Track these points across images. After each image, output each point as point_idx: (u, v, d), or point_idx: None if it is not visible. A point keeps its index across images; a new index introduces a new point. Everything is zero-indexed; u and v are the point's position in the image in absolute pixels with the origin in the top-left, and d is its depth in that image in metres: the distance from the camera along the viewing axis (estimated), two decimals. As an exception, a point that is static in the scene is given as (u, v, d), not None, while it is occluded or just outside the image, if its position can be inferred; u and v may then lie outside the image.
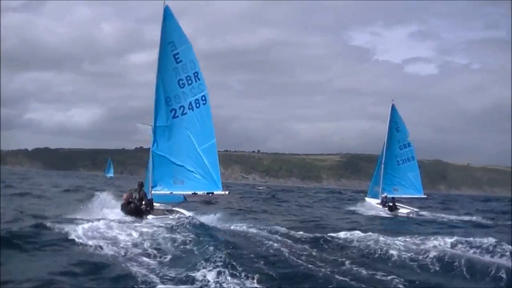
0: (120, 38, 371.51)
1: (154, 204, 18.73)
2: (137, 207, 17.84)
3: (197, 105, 18.73)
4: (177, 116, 18.95)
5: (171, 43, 18.90)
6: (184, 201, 19.69)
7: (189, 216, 17.33)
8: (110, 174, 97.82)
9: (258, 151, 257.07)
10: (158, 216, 17.70)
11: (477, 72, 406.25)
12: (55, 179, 67.07)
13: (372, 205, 33.12)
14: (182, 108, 18.89)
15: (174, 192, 18.80)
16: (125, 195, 18.23)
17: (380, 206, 32.18)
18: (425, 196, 35.24)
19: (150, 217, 17.68)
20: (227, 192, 18.25)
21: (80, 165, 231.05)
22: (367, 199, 35.29)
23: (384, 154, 34.23)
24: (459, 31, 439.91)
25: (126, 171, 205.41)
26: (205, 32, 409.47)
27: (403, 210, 31.20)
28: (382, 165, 34.20)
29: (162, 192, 18.91)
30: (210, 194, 18.17)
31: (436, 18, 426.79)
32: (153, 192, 18.77)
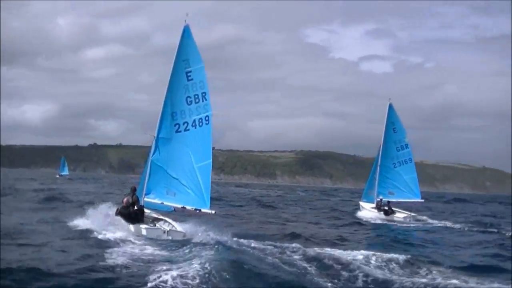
0: (75, 33, 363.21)
1: (145, 210, 19.55)
2: (136, 212, 18.59)
3: (200, 124, 19.62)
4: (180, 131, 19.80)
5: (186, 61, 19.74)
6: (172, 212, 20.50)
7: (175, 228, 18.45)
8: (65, 172, 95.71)
9: (213, 147, 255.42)
10: (150, 227, 18.49)
11: (431, 71, 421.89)
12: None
13: (367, 210, 32.16)
14: (185, 124, 19.75)
15: (165, 203, 19.62)
16: (125, 199, 18.91)
17: (375, 211, 31.23)
18: (423, 200, 33.87)
19: (143, 226, 18.46)
20: (213, 212, 19.18)
21: (32, 162, 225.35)
22: (361, 203, 33.98)
23: (380, 155, 32.86)
24: (415, 30, 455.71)
25: (79, 168, 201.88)
26: (161, 29, 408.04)
27: (399, 215, 30.30)
28: (378, 168, 32.80)
29: (154, 200, 19.73)
30: (197, 211, 19.03)
31: (393, 17, 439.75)
32: (145, 199, 19.59)
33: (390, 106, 33.17)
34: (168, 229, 18.23)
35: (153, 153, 19.98)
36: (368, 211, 31.95)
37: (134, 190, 19.62)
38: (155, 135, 19.99)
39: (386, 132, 32.95)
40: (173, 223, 19.02)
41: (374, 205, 31.95)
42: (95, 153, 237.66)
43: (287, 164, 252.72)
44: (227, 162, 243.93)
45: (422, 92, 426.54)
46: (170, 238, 17.83)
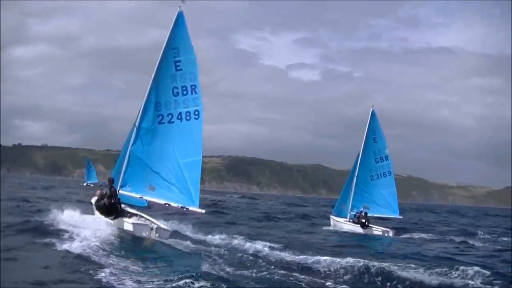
0: (2, 31, 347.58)
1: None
2: (111, 204, 17.19)
3: (188, 117, 18.60)
4: (163, 123, 18.71)
5: (175, 49, 18.72)
6: (146, 207, 19.23)
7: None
8: None
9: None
10: (138, 222, 17.17)
11: (359, 80, 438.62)
12: None
13: (340, 224, 29.57)
14: (170, 116, 18.68)
15: (144, 197, 18.36)
16: (98, 191, 17.53)
17: (351, 223, 28.90)
18: (401, 217, 31.31)
19: (129, 220, 17.08)
20: (203, 211, 18.14)
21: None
22: (332, 217, 31.05)
23: (357, 166, 30.29)
24: (344, 40, 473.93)
25: (3, 168, 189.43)
26: (93, 30, 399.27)
27: (377, 231, 28.05)
28: (355, 179, 30.26)
29: (130, 194, 18.41)
30: (184, 209, 17.91)
31: (323, 27, 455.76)
32: (120, 191, 18.23)
33: (373, 113, 30.87)
34: (155, 226, 16.91)
35: (133, 143, 18.72)
36: (342, 224, 29.54)
37: (111, 181, 18.21)
38: (137, 124, 18.74)
39: (366, 141, 30.58)
40: (151, 219, 17.80)
41: (347, 218, 29.66)
42: (20, 153, 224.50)
43: (215, 170, 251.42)
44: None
45: (350, 101, 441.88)
46: (157, 235, 16.54)
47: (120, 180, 18.48)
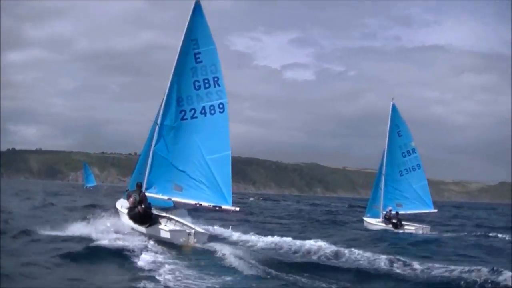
0: None
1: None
2: (145, 212, 16.16)
3: (212, 112, 17.62)
4: (186, 119, 17.75)
5: (194, 41, 17.77)
6: (172, 207, 18.21)
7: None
8: None
9: (135, 153, 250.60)
10: (175, 228, 16.18)
11: (353, 79, 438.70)
12: None
13: (374, 225, 28.21)
14: (193, 111, 17.71)
15: (172, 199, 17.39)
16: (131, 199, 16.52)
17: (383, 224, 27.72)
18: (436, 211, 29.73)
19: (165, 228, 16.10)
20: (237, 209, 17.18)
21: None
22: (365, 219, 29.87)
23: (384, 163, 29.11)
24: (338, 40, 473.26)
25: None
26: (86, 33, 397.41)
27: (410, 228, 26.83)
28: (383, 177, 29.08)
29: (157, 196, 17.46)
30: (217, 208, 16.94)
31: (316, 26, 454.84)
32: (146, 194, 17.22)
33: (394, 107, 29.66)
34: (193, 231, 15.87)
35: (156, 143, 17.75)
36: (376, 225, 28.20)
37: (140, 186, 17.15)
38: (158, 122, 17.77)
39: (390, 136, 29.30)
40: (185, 221, 16.84)
41: (380, 219, 28.44)
42: (14, 158, 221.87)
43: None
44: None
45: (344, 100, 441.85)
46: (195, 240, 15.57)
47: (144, 182, 17.53)
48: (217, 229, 19.21)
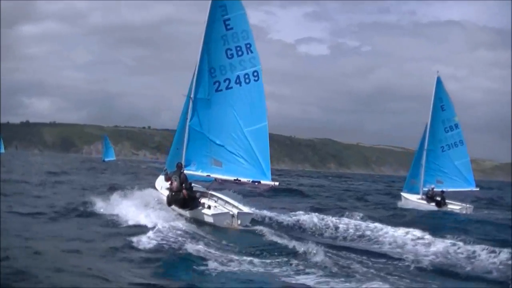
0: (10, 8, 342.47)
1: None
2: (189, 196, 15.41)
3: (247, 80, 16.70)
4: (221, 90, 16.85)
5: (223, 7, 16.72)
6: (212, 182, 17.45)
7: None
8: (1, 150, 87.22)
9: (149, 127, 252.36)
10: (217, 212, 15.26)
11: (367, 55, 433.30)
12: None
13: (413, 202, 27.21)
14: (227, 81, 16.80)
15: (212, 175, 16.67)
16: (174, 183, 15.56)
17: (424, 202, 26.66)
18: (478, 189, 28.81)
19: (207, 212, 15.27)
20: (276, 183, 16.44)
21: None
22: (403, 194, 28.89)
23: (426, 138, 28.08)
24: (352, 14, 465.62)
25: (11, 146, 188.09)
26: (100, 7, 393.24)
27: (454, 207, 25.91)
28: (424, 152, 28.13)
29: (197, 173, 16.75)
30: (256, 183, 16.18)
31: (331, 1, 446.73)
32: (185, 171, 16.47)
33: (438, 80, 28.41)
34: (236, 212, 15.14)
35: (191, 118, 16.95)
36: (415, 202, 27.18)
37: (180, 167, 16.24)
38: (192, 96, 16.91)
39: (434, 110, 28.19)
40: (227, 199, 16.13)
41: (419, 196, 27.53)
42: (28, 131, 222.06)
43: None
44: (163, 142, 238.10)
45: (358, 76, 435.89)
46: (239, 222, 14.87)
47: (183, 160, 16.79)
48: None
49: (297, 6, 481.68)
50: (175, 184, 15.41)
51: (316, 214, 17.57)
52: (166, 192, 16.15)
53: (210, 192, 16.73)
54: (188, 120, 16.92)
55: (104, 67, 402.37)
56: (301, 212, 18.07)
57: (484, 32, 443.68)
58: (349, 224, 16.32)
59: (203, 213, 15.28)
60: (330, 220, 16.69)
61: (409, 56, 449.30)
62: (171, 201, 15.52)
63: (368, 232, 15.15)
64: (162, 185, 17.21)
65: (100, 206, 16.04)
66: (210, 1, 16.80)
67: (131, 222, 13.93)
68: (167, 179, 16.09)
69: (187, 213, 15.48)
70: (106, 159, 79.90)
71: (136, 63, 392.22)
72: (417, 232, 14.47)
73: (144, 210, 14.88)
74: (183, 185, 15.57)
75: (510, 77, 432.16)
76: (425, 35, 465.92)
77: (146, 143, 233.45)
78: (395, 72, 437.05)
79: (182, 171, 16.03)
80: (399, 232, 14.71)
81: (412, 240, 13.93)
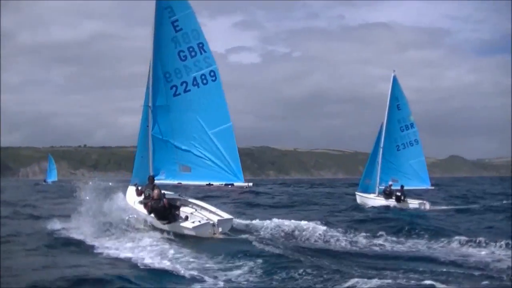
0: None
1: None
2: (170, 205, 14.62)
3: (204, 81, 16.27)
4: (179, 94, 16.36)
5: (169, 8, 16.22)
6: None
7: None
8: None
9: (85, 145, 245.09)
10: (198, 223, 14.38)
11: (298, 60, 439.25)
12: None
13: (370, 201, 27.28)
14: (184, 84, 16.32)
15: (183, 183, 16.11)
16: (156, 191, 14.62)
17: (382, 199, 26.79)
18: (433, 187, 29.53)
19: (187, 225, 14.45)
20: (250, 184, 16.08)
21: None
22: (358, 194, 29.04)
23: (382, 137, 28.11)
24: (282, 21, 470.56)
25: None
26: (27, 25, 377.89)
27: (413, 202, 26.27)
28: (381, 150, 28.05)
29: (167, 182, 16.13)
30: (230, 186, 15.79)
31: (259, 9, 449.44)
32: (155, 182, 15.77)
33: (394, 79, 28.48)
34: (216, 219, 14.53)
35: (152, 127, 16.32)
36: (372, 200, 27.23)
37: (153, 180, 15.45)
38: (150, 104, 16.24)
39: (390, 109, 28.20)
40: (204, 205, 15.61)
41: (375, 194, 27.75)
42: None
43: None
44: (101, 159, 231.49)
45: (291, 82, 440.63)
46: (220, 230, 14.29)
47: (150, 170, 16.12)
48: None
49: (226, 16, 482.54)
50: (156, 191, 14.52)
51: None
52: (141, 207, 15.27)
53: (184, 198, 16.14)
54: (150, 130, 16.22)
55: (35, 87, 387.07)
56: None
57: (411, 32, 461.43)
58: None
59: (183, 227, 14.50)
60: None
61: (340, 59, 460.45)
62: (151, 209, 14.62)
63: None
64: (135, 200, 16.07)
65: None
66: (153, 3, 16.21)
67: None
68: (139, 193, 15.34)
69: (165, 226, 14.66)
70: (49, 180, 76.90)
71: (67, 81, 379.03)
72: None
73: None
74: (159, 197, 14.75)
75: (439, 75, 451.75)
76: (355, 38, 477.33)
77: (83, 162, 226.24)
78: (327, 76, 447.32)
79: (154, 184, 15.26)
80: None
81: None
